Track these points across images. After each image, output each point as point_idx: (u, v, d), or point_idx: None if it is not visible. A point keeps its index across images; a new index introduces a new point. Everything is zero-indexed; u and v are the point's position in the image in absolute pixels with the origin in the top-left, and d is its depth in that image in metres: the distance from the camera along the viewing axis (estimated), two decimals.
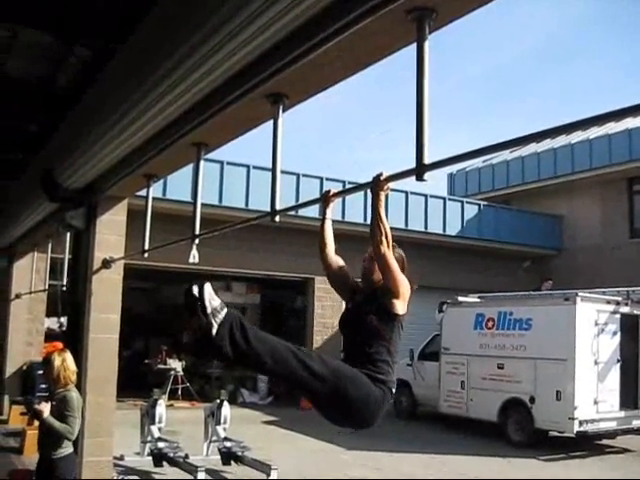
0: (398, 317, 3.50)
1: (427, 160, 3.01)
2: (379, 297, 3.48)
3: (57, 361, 6.11)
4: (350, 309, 3.72)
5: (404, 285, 3.46)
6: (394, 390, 3.43)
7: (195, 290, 2.99)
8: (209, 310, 2.96)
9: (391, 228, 3.36)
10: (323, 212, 3.85)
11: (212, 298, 2.99)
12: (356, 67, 3.81)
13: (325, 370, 3.16)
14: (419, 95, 3.07)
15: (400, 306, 3.48)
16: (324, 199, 3.85)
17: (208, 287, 3.01)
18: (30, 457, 6.62)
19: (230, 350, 2.98)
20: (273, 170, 4.23)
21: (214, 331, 2.95)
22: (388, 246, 3.32)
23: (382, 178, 3.29)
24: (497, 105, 62.35)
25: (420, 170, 3.02)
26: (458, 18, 3.17)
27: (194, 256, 5.42)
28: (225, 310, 3.01)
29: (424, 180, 3.02)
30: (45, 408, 5.86)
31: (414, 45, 3.14)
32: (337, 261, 3.86)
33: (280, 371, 3.12)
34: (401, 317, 3.51)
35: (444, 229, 21.50)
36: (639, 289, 14.99)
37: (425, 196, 20.90)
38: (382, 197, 3.31)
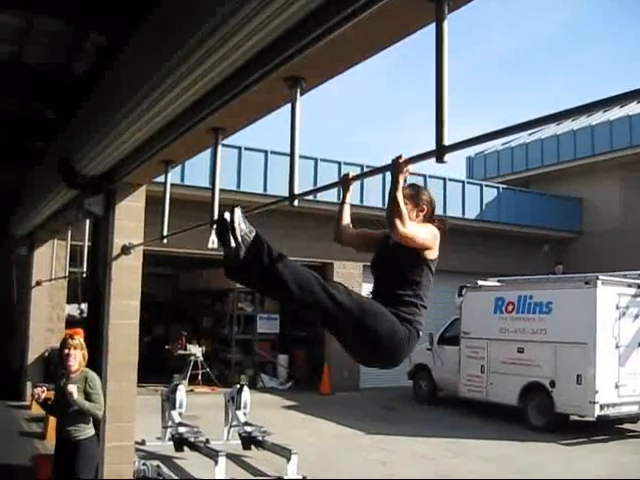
0: (428, 261, 3.52)
1: (447, 142, 2.96)
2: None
3: (82, 342, 6.22)
4: (382, 252, 3.71)
5: (431, 241, 3.49)
6: (421, 332, 3.45)
7: (226, 215, 3.06)
8: (238, 233, 3.03)
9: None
10: (343, 196, 3.85)
11: (242, 222, 3.07)
12: (374, 49, 3.77)
13: (351, 302, 3.19)
14: (438, 76, 3.02)
15: (430, 253, 3.52)
16: (343, 182, 3.82)
17: (238, 212, 3.08)
18: (53, 442, 6.67)
19: (257, 274, 3.05)
20: (291, 154, 4.20)
21: (242, 253, 3.02)
22: (404, 224, 3.28)
23: (401, 160, 3.26)
24: (517, 86, 61.81)
25: (440, 152, 2.97)
26: None
27: (213, 241, 5.40)
28: (254, 234, 3.08)
29: (444, 162, 2.97)
30: (74, 389, 5.90)
31: (433, 25, 3.09)
32: (355, 235, 3.90)
33: (306, 299, 3.14)
34: (431, 262, 3.54)
35: (463, 212, 21.41)
36: None
37: (444, 179, 20.80)
38: (401, 180, 3.27)
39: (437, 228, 3.60)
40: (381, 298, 3.44)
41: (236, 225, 3.02)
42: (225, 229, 3.03)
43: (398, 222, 3.26)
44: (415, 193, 3.70)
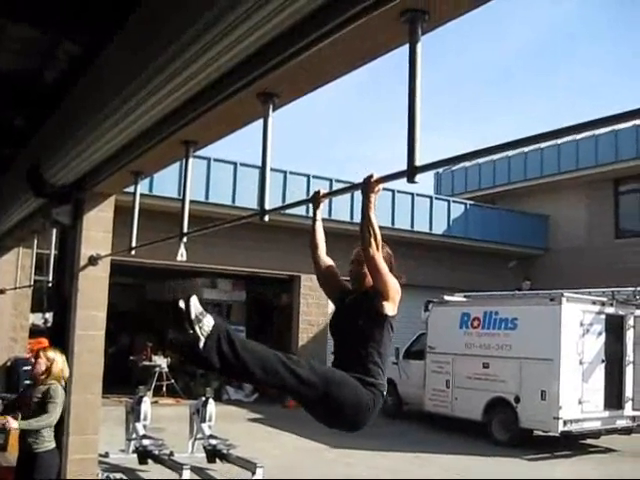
0: (388, 318, 3.49)
1: (418, 162, 3.00)
2: (369, 299, 3.48)
3: (61, 359, 6.28)
4: (340, 311, 3.72)
5: (394, 287, 3.46)
6: (385, 392, 3.44)
7: (182, 304, 3.03)
8: (195, 324, 2.99)
9: (378, 227, 3.36)
10: (314, 213, 3.85)
11: (198, 311, 3.03)
12: (348, 67, 3.80)
13: (314, 377, 3.18)
14: (411, 97, 3.06)
15: (390, 307, 3.48)
16: (314, 200, 3.84)
17: (194, 300, 3.05)
18: (14, 454, 6.59)
19: (218, 362, 3.02)
20: (262, 169, 4.21)
21: (201, 344, 2.99)
22: (377, 248, 3.31)
23: (373, 179, 3.28)
24: (487, 105, 62.48)
25: (411, 172, 3.01)
26: (451, 20, 3.16)
27: (182, 254, 5.39)
28: (212, 323, 3.03)
29: (415, 182, 3.02)
30: (13, 424, 5.90)
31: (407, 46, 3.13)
32: (327, 262, 3.87)
33: (270, 380, 3.14)
34: (391, 318, 3.51)
35: (430, 228, 21.57)
36: (624, 290, 15.09)
37: (412, 195, 20.94)
38: (373, 199, 3.30)
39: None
40: (343, 361, 3.45)
41: (193, 316, 2.99)
42: (181, 317, 3.01)
43: (373, 242, 3.28)
44: None
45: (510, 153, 25.56)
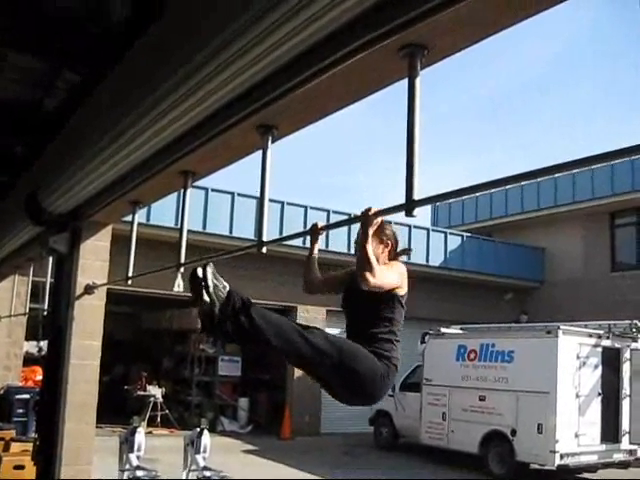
0: (397, 296, 3.57)
1: (417, 196, 3.01)
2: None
3: None
4: (350, 292, 3.74)
5: (397, 281, 3.55)
6: (398, 367, 3.50)
7: (199, 271, 3.12)
8: (212, 290, 3.07)
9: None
10: (311, 247, 3.88)
11: (214, 278, 3.12)
12: (347, 100, 3.82)
13: (329, 346, 3.24)
14: (410, 130, 3.07)
15: (400, 290, 3.58)
16: (312, 232, 3.86)
17: (211, 268, 3.15)
18: None
19: (234, 329, 3.09)
20: (261, 201, 4.21)
21: (216, 310, 3.06)
22: (374, 277, 3.31)
23: (371, 213, 3.29)
24: (484, 137, 62.76)
25: (410, 206, 3.01)
26: (450, 55, 3.18)
27: (179, 285, 5.39)
28: (227, 289, 3.12)
29: (414, 216, 3.02)
30: None
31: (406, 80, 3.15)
32: (322, 284, 3.95)
33: (285, 348, 3.19)
34: (401, 297, 3.59)
35: (427, 260, 21.57)
36: (620, 323, 15.07)
37: (409, 226, 20.95)
38: (370, 232, 3.31)
39: (402, 261, 3.71)
40: (356, 337, 3.49)
41: (209, 282, 3.07)
42: (198, 285, 3.09)
43: (369, 275, 3.29)
44: (379, 229, 3.73)
45: (507, 186, 25.67)
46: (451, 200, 27.82)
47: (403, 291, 3.60)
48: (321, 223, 3.91)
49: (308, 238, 3.95)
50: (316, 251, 3.93)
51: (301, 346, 3.17)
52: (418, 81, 3.08)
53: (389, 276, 3.48)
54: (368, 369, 3.35)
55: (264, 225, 4.20)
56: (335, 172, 68.86)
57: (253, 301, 3.19)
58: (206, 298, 3.07)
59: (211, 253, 5.91)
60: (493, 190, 26.04)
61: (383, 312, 3.54)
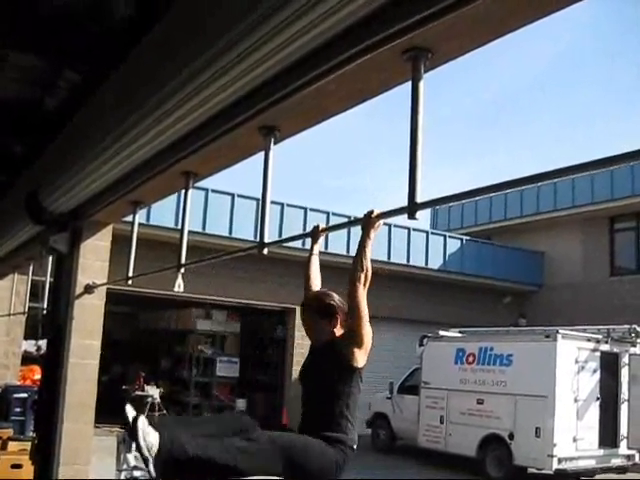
0: (358, 370, 3.42)
1: (419, 199, 3.01)
2: (338, 348, 3.41)
3: None
4: (310, 360, 3.65)
5: (369, 333, 3.37)
6: (355, 446, 3.40)
7: (129, 413, 3.17)
8: (143, 447, 3.04)
9: (373, 260, 3.36)
10: (311, 248, 3.86)
11: (145, 433, 3.06)
12: (350, 103, 3.82)
13: (277, 451, 3.17)
14: (413, 133, 3.08)
15: (361, 357, 3.41)
16: (313, 234, 3.85)
17: (142, 422, 3.10)
18: None
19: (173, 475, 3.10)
20: (262, 202, 4.22)
21: (151, 466, 3.03)
22: (364, 285, 3.27)
23: (373, 215, 3.29)
24: (487, 142, 62.75)
25: (412, 208, 3.01)
26: (454, 59, 3.19)
27: (179, 285, 5.39)
28: (156, 447, 3.05)
29: (416, 219, 3.02)
30: None
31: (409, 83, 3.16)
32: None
33: (232, 472, 3.11)
34: (360, 370, 3.44)
35: (426, 262, 21.55)
36: (619, 327, 15.06)
37: (408, 229, 20.96)
38: (372, 235, 3.30)
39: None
40: (311, 415, 3.44)
41: (140, 441, 3.04)
42: (133, 435, 3.08)
43: (362, 277, 3.26)
44: (330, 304, 3.61)
45: (509, 190, 25.68)
46: (451, 203, 27.84)
47: (363, 361, 3.43)
48: (322, 225, 3.91)
49: (308, 240, 3.95)
50: (316, 251, 3.90)
51: (249, 464, 3.10)
52: (421, 84, 3.09)
53: (366, 310, 3.33)
54: (319, 463, 3.28)
55: (266, 226, 4.20)
56: (342, 174, 68.76)
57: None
58: (139, 453, 3.08)
59: (211, 254, 5.92)
60: (492, 194, 26.09)
61: (341, 385, 3.39)
